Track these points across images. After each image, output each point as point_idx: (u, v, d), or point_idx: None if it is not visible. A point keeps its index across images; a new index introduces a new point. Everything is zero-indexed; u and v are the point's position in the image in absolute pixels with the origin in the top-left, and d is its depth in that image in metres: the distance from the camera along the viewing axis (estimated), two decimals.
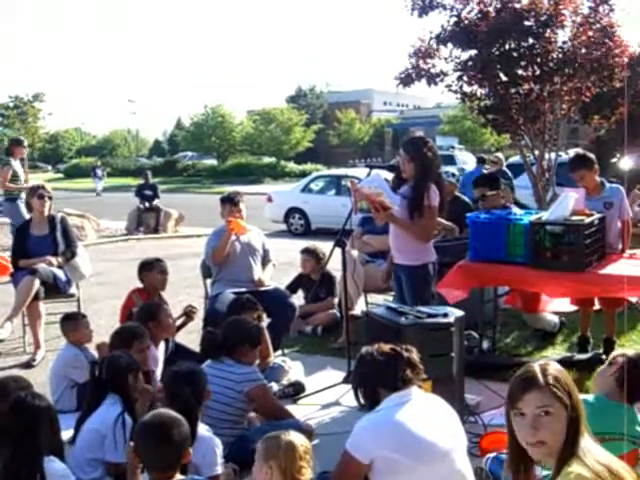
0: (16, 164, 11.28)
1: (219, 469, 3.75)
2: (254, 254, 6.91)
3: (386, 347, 3.53)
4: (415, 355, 3.53)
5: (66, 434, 4.19)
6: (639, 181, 10.76)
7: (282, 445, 3.13)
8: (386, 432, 3.24)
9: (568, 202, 5.83)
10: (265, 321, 6.26)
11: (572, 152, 16.58)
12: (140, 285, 6.39)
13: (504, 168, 14.32)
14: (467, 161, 32.00)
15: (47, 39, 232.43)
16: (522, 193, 12.04)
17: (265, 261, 7.06)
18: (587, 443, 2.43)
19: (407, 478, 3.21)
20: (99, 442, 3.95)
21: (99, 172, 37.60)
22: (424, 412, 3.37)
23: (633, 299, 6.16)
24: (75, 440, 4.05)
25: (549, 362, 2.60)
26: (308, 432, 4.45)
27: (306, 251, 8.11)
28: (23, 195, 10.90)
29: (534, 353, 6.61)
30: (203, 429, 3.78)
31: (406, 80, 10.51)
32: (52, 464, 3.31)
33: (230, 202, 7.01)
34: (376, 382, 3.43)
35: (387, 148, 57.36)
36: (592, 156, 6.45)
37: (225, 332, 4.75)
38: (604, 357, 6.31)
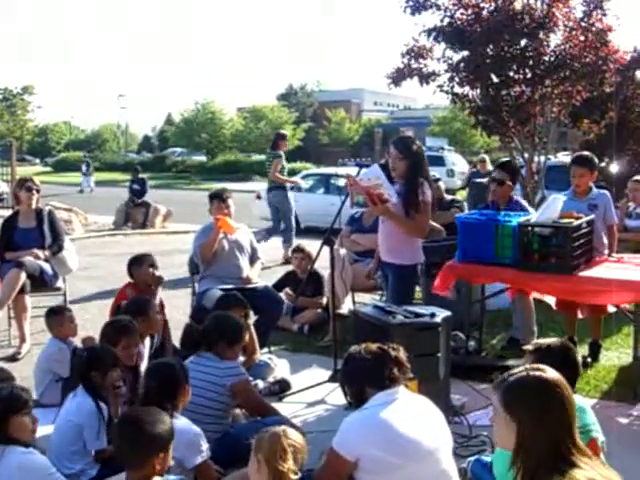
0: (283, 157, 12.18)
1: (204, 455, 3.74)
2: (242, 251, 6.89)
3: (373, 346, 3.53)
4: (402, 354, 3.52)
5: (50, 428, 4.17)
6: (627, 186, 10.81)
7: (267, 437, 3.16)
8: (372, 430, 3.24)
9: (556, 204, 5.85)
10: (252, 318, 6.25)
11: (561, 155, 16.71)
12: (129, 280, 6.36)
13: (491, 167, 14.36)
14: (456, 162, 32.07)
15: (37, 31, 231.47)
16: None
17: (253, 258, 7.04)
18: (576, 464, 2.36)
19: (392, 477, 3.21)
20: (78, 433, 3.94)
21: (83, 168, 35.08)
22: (410, 411, 3.37)
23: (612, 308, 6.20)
24: (56, 434, 4.03)
25: (540, 367, 2.55)
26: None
27: (301, 250, 8.08)
28: (288, 185, 12.39)
29: (520, 355, 6.61)
30: (184, 422, 3.77)
31: (397, 78, 10.51)
32: (32, 456, 3.29)
33: (218, 198, 7.00)
34: (363, 381, 3.43)
35: (377, 148, 57.20)
36: (597, 161, 6.56)
37: (205, 327, 4.74)
38: (589, 360, 6.36)
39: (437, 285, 6.07)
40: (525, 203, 7.07)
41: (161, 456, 3.06)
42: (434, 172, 9.13)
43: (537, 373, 2.50)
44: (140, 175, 19.11)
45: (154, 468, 3.04)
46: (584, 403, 3.66)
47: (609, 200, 6.47)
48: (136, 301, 5.49)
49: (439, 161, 29.26)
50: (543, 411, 2.41)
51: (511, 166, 7.59)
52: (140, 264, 6.23)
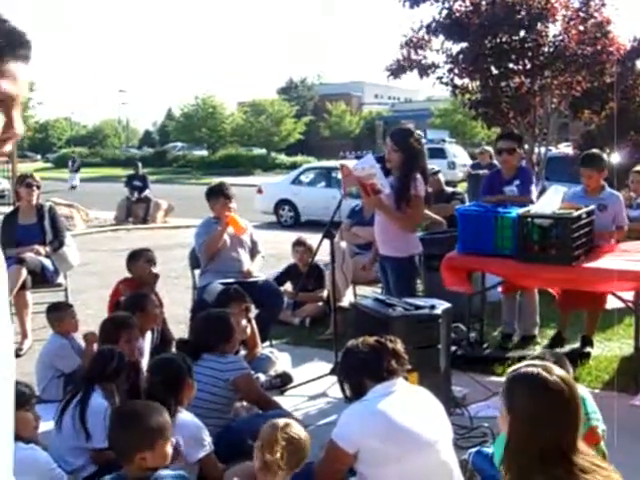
0: None
1: (207, 449, 3.74)
2: (242, 246, 6.88)
3: (371, 339, 3.54)
4: (399, 346, 3.53)
5: (51, 424, 4.18)
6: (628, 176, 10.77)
7: (266, 426, 3.21)
8: (371, 421, 3.25)
9: (557, 195, 5.85)
10: (253, 312, 6.26)
11: (562, 146, 16.66)
12: (128, 275, 6.37)
13: (494, 161, 14.31)
14: (457, 154, 32.04)
15: (36, 27, 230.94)
16: None
17: (254, 252, 7.02)
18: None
19: (392, 468, 3.22)
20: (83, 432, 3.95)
21: (69, 164, 34.59)
22: (410, 403, 3.37)
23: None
24: (58, 429, 4.03)
25: (551, 369, 2.47)
26: None
27: (302, 244, 8.05)
28: None
29: (521, 346, 6.62)
30: (187, 416, 3.77)
31: (397, 71, 10.49)
32: (33, 452, 3.30)
33: (224, 196, 6.86)
34: (361, 373, 3.43)
35: (378, 141, 57.25)
36: (605, 158, 6.54)
37: (196, 337, 4.74)
38: (589, 350, 6.36)
39: (449, 281, 6.06)
40: (532, 172, 7.03)
41: (156, 449, 3.06)
42: (435, 164, 9.13)
43: (541, 372, 2.43)
44: (140, 171, 19.11)
45: (146, 460, 3.03)
46: (584, 392, 3.66)
47: (621, 203, 6.47)
48: (134, 297, 5.50)
49: (440, 153, 29.24)
50: (533, 412, 2.36)
51: (516, 134, 7.62)
52: (137, 259, 6.26)
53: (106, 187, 30.47)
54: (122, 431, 3.07)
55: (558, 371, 2.46)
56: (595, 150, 6.97)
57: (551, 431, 2.33)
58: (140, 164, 20.17)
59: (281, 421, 3.25)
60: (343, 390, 3.61)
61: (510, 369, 2.56)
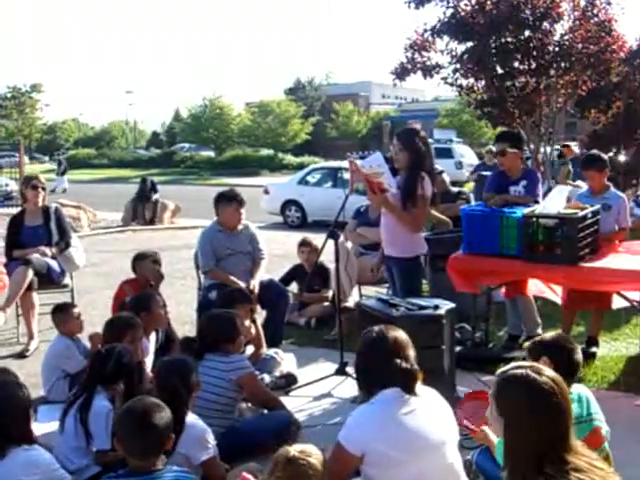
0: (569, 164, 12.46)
1: (211, 452, 3.73)
2: (245, 254, 6.76)
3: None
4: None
5: (57, 425, 4.19)
6: (635, 176, 10.75)
7: (278, 457, 3.01)
8: (378, 425, 3.22)
9: (562, 195, 5.84)
10: (259, 313, 6.25)
11: (571, 144, 16.65)
12: (133, 276, 6.39)
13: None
14: (465, 154, 31.98)
15: (45, 29, 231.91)
16: None
17: (257, 259, 6.92)
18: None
19: (399, 471, 3.20)
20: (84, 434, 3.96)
21: (56, 166, 33.11)
22: (417, 405, 3.35)
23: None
24: (61, 430, 4.05)
25: (540, 369, 2.49)
26: (296, 425, 4.47)
27: (308, 244, 8.01)
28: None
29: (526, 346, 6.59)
30: (192, 418, 3.77)
31: (401, 73, 10.52)
32: (36, 453, 3.31)
33: (237, 202, 6.72)
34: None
35: (385, 141, 57.27)
36: (605, 158, 6.52)
37: (201, 334, 4.75)
38: (595, 350, 6.35)
39: (459, 284, 6.03)
40: (539, 175, 6.99)
41: (163, 445, 3.10)
42: (442, 164, 9.10)
43: (530, 373, 2.44)
44: (149, 184, 18.84)
45: (156, 457, 3.07)
46: (588, 393, 3.65)
47: (624, 203, 6.45)
48: (139, 297, 5.52)
49: (447, 153, 29.20)
50: (527, 414, 2.38)
51: (509, 134, 7.43)
52: (142, 259, 6.29)
53: (113, 188, 30.53)
54: (135, 431, 3.07)
55: (548, 372, 2.47)
56: (595, 151, 6.95)
57: (543, 431, 2.34)
58: (149, 180, 19.78)
59: (295, 451, 3.02)
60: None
61: (498, 371, 2.56)
